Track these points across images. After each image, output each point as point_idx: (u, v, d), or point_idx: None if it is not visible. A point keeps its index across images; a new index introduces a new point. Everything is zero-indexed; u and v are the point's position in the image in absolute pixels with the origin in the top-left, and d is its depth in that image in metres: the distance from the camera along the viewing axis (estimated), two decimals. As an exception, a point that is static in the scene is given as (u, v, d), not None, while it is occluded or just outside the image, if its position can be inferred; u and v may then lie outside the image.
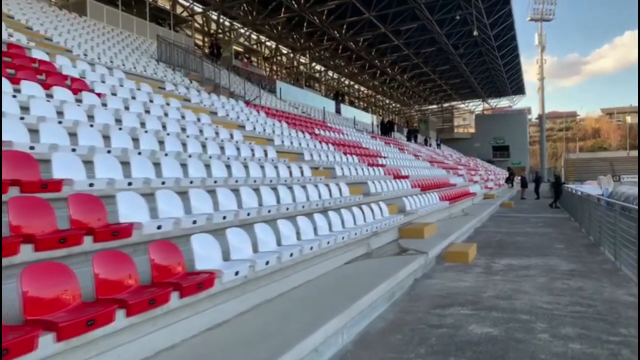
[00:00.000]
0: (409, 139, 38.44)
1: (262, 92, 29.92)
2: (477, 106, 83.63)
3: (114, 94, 10.35)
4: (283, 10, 36.56)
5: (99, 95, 9.56)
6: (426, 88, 68.39)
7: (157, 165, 6.74)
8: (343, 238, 7.12)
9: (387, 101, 74.37)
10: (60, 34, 17.12)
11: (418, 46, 46.53)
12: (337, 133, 22.65)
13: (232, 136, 11.38)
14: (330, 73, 56.33)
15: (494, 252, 11.06)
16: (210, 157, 8.45)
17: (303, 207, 7.90)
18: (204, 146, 9.03)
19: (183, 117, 11.18)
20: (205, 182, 6.96)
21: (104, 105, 9.24)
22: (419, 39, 44.06)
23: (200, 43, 39.03)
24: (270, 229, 6.02)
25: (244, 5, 36.97)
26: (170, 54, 21.85)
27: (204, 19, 39.12)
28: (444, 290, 7.45)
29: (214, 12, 37.27)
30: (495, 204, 23.57)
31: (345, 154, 16.57)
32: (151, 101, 11.39)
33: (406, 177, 18.07)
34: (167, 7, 34.16)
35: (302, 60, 50.76)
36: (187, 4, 36.41)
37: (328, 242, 6.60)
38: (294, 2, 35.06)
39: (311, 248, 6.05)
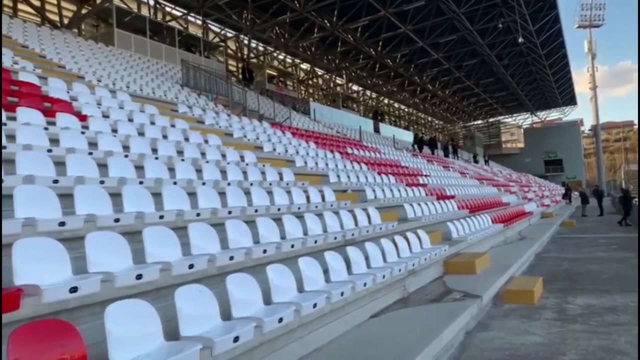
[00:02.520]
0: (446, 155, 36.09)
1: (294, 113, 28.71)
2: (525, 119, 79.80)
3: (106, 116, 9.05)
4: (316, 30, 35.51)
5: (84, 117, 8.25)
6: (470, 103, 65.62)
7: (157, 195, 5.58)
8: (365, 285, 5.33)
9: (430, 119, 71.96)
10: (77, 62, 16.36)
11: (459, 59, 44.37)
12: (373, 152, 20.90)
13: (242, 158, 9.85)
14: (368, 93, 54.80)
15: (565, 288, 8.92)
16: (204, 184, 6.89)
17: (315, 242, 6.18)
18: (198, 171, 7.49)
19: (187, 139, 9.77)
20: (184, 216, 5.38)
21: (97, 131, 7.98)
22: (459, 51, 41.97)
23: (234, 68, 38.45)
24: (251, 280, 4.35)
25: (276, 28, 36.19)
26: (194, 78, 20.94)
27: (237, 44, 38.60)
28: (508, 350, 5.50)
29: (245, 37, 36.63)
30: (555, 224, 20.99)
31: (380, 173, 14.77)
32: (152, 123, 10.07)
33: (452, 197, 16.04)
34: (199, 34, 33.74)
35: (339, 81, 49.52)
36: (218, 30, 35.94)
37: (342, 294, 4.81)
38: (326, 22, 33.93)
39: (314, 306, 4.29)
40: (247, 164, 9.35)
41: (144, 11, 30.67)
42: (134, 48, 25.57)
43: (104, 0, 24.65)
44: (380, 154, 21.35)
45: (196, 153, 8.68)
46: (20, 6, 24.66)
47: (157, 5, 31.55)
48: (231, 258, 4.76)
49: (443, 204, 13.18)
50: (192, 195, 6.13)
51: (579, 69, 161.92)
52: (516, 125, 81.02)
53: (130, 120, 9.63)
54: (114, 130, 8.34)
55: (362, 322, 5.54)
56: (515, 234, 15.90)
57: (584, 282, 9.35)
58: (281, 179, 9.31)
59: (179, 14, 32.13)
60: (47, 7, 25.47)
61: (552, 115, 77.93)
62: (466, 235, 10.59)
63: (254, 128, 14.51)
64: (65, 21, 24.18)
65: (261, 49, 40.12)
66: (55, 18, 24.33)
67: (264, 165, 9.72)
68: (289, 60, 43.57)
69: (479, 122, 78.13)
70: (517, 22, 35.11)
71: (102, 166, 6.22)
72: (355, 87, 52.85)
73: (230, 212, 6.05)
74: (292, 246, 5.68)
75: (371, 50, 40.02)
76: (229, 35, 36.72)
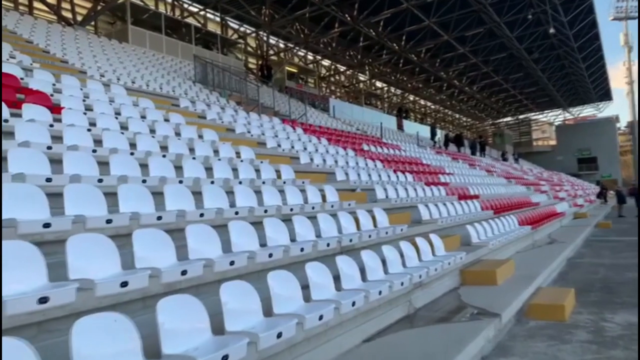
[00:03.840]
0: (473, 153, 34.64)
1: (313, 110, 27.88)
2: (557, 116, 76.93)
3: (86, 110, 8.32)
4: (336, 25, 34.54)
5: (55, 110, 7.52)
6: (499, 99, 63.44)
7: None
8: (354, 304, 4.37)
9: (457, 116, 70.05)
10: (82, 57, 15.84)
11: (486, 53, 42.61)
12: (393, 149, 19.82)
13: (238, 154, 8.99)
14: (392, 89, 53.49)
15: (601, 301, 7.77)
16: (179, 182, 6.06)
17: (302, 249, 5.25)
18: (178, 168, 6.66)
19: (178, 134, 8.98)
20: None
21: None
22: (487, 45, 40.25)
23: (254, 66, 37.81)
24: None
25: (296, 24, 35.36)
26: (207, 74, 20.27)
27: (257, 41, 37.94)
28: (530, 386, 4.48)
29: (264, 34, 35.93)
30: (590, 225, 19.50)
31: (396, 171, 13.74)
32: (143, 117, 9.31)
33: (475, 196, 14.88)
34: (217, 31, 33.19)
35: (362, 77, 48.40)
36: (236, 26, 35.32)
37: (320, 318, 3.88)
38: (346, 16, 32.91)
39: (277, 336, 3.38)
40: (241, 160, 8.49)
41: (162, 8, 30.29)
42: (148, 45, 25.12)
43: (116, -3, 24.24)
44: (400, 151, 20.27)
45: (182, 148, 7.85)
46: (36, 4, 24.49)
47: (175, 2, 31.12)
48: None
49: (464, 205, 12.08)
50: (158, 195, 5.29)
51: (614, 63, 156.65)
52: (547, 122, 78.23)
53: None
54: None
55: (353, 347, 4.59)
56: (545, 237, 14.63)
57: (624, 294, 8.17)
58: (278, 177, 8.42)
59: (196, 10, 31.61)
60: (64, 4, 25.27)
61: (586, 111, 74.87)
62: (488, 239, 9.47)
63: (262, 124, 13.66)
64: (80, 19, 23.82)
65: (282, 46, 39.40)
66: (71, 16, 24.05)
67: (261, 162, 8.84)
68: (310, 57, 42.70)
69: (509, 119, 75.72)
70: (548, 12, 33.33)
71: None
72: (379, 84, 51.64)
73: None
74: (270, 255, 4.78)
75: (394, 44, 38.78)
76: (248, 32, 36.07)
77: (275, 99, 24.12)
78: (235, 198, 6.23)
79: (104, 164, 5.81)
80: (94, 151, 6.27)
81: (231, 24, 35.26)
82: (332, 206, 7.59)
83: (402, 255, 6.35)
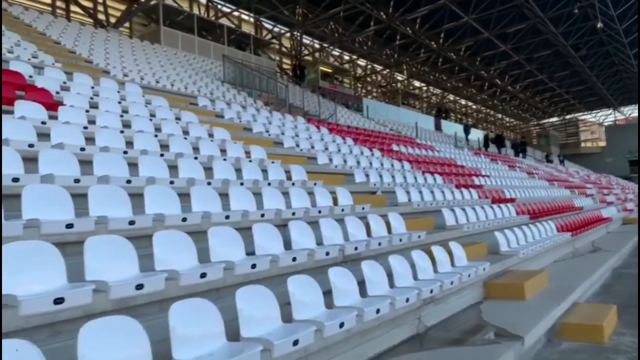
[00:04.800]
0: (516, 154, 33.21)
1: (345, 111, 27.34)
2: (607, 116, 73.26)
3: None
4: (372, 24, 33.82)
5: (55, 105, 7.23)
6: (543, 98, 60.90)
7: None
8: (342, 326, 3.76)
9: (500, 116, 67.77)
10: (108, 58, 15.82)
11: (530, 51, 40.79)
12: (426, 150, 18.98)
13: (248, 153, 8.52)
14: (431, 89, 52.17)
15: (649, 320, 6.83)
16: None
17: (294, 259, 4.69)
18: (173, 167, 6.23)
19: (186, 132, 8.59)
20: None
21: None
22: (530, 42, 38.49)
23: (288, 66, 37.52)
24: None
25: (331, 23, 34.83)
26: (236, 74, 20.03)
27: (292, 42, 37.66)
28: None
29: (297, 34, 35.60)
30: (640, 232, 18.02)
31: (425, 173, 12.98)
32: (152, 116, 8.97)
33: (511, 200, 13.92)
34: (251, 32, 33.07)
35: (399, 77, 47.37)
36: (270, 27, 35.13)
37: (341, 326, 3.38)
38: (382, 14, 32.13)
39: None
40: (250, 161, 8.00)
41: (197, 10, 30.37)
42: (181, 46, 25.15)
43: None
44: (433, 152, 19.40)
45: (188, 149, 7.42)
46: (73, 8, 24.92)
47: (210, 3, 31.16)
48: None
49: (497, 209, 11.21)
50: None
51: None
52: (597, 122, 74.62)
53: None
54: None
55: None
56: (588, 245, 13.49)
57: (676, 313, 7.19)
58: (288, 178, 7.88)
59: (228, 10, 31.58)
60: (99, 7, 25.63)
61: (639, 111, 70.99)
62: (519, 247, 8.61)
63: (283, 123, 13.18)
64: (113, 21, 24.07)
65: (317, 46, 38.96)
66: (105, 18, 24.33)
67: (272, 162, 8.33)
68: (346, 57, 42.07)
69: (555, 119, 72.68)
70: (596, 6, 31.48)
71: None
72: (417, 83, 50.46)
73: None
74: (252, 266, 4.23)
75: (432, 43, 37.67)
76: (282, 32, 35.82)
77: (306, 100, 23.74)
78: (229, 200, 5.73)
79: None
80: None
81: (265, 25, 35.09)
82: (342, 210, 6.99)
83: (413, 266, 5.68)
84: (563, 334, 6.06)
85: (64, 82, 9.09)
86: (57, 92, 8.17)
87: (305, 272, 4.43)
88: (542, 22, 33.83)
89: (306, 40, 37.63)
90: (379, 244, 6.07)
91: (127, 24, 26.80)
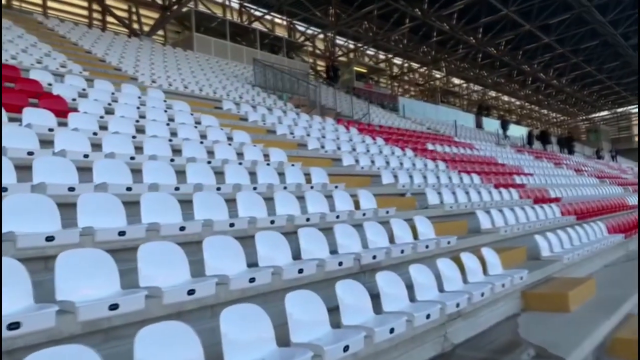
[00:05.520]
0: (561, 150, 31.67)
1: (380, 110, 26.74)
2: (662, 108, 69.26)
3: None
4: (407, 21, 33.06)
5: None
6: (592, 92, 58.06)
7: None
8: (346, 349, 3.28)
9: (545, 112, 65.19)
10: (137, 65, 15.86)
11: (576, 42, 38.78)
12: (464, 148, 18.15)
13: (267, 156, 8.14)
14: (471, 86, 50.66)
15: None
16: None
17: (300, 271, 4.24)
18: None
19: (204, 136, 8.29)
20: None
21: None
22: (575, 32, 36.58)
23: (322, 68, 37.18)
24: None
25: (365, 22, 34.26)
26: (266, 77, 19.81)
27: (325, 43, 37.30)
28: None
29: (330, 34, 35.22)
30: (703, 231, 16.57)
31: (462, 172, 12.27)
32: (171, 121, 8.73)
33: (555, 199, 13.01)
34: (284, 35, 32.92)
35: (437, 75, 46.21)
36: (303, 29, 34.88)
37: (344, 349, 3.15)
38: (416, 10, 31.30)
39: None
40: (267, 164, 7.61)
41: (229, 15, 30.46)
42: (213, 52, 25.21)
43: (181, 6, 24.49)
44: (472, 150, 18.55)
45: (202, 152, 7.10)
46: (109, 19, 25.38)
47: (242, 8, 31.21)
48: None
49: (539, 210, 10.39)
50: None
51: None
52: (651, 115, 70.71)
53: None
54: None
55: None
56: (644, 246, 12.39)
57: None
58: (308, 181, 7.44)
59: (260, 14, 31.55)
60: (134, 17, 26.04)
61: (698, 101, 66.78)
62: (563, 252, 7.83)
63: (310, 125, 12.77)
64: (147, 30, 24.38)
65: (351, 46, 38.45)
66: (138, 27, 24.68)
67: (292, 165, 7.92)
68: (382, 56, 41.34)
69: (605, 113, 69.26)
70: (647, -9, 29.65)
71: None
72: (456, 81, 49.10)
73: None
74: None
75: (470, 38, 36.44)
76: (315, 33, 35.49)
77: (340, 101, 23.30)
78: (236, 206, 5.33)
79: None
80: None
81: (299, 27, 34.88)
82: (363, 214, 6.48)
83: (443, 276, 5.11)
84: (614, 352, 5.34)
85: (83, 89, 8.97)
86: (74, 99, 8.03)
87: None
88: (588, 11, 32.07)
89: (340, 41, 37.20)
90: (402, 251, 5.53)
91: (161, 32, 27.20)
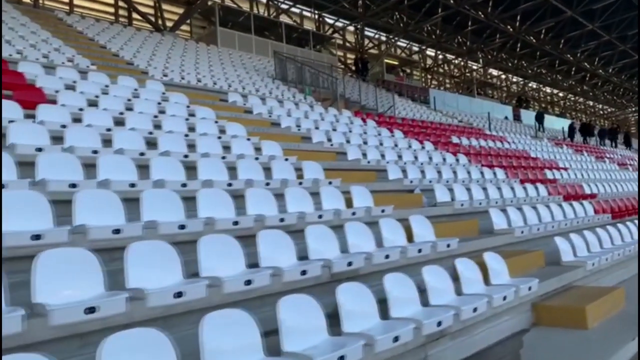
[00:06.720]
0: (602, 143, 29.89)
1: (410, 103, 25.79)
2: None
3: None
4: (439, 10, 31.81)
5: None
6: (642, 81, 54.83)
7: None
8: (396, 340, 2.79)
9: (591, 103, 62.10)
10: (152, 60, 15.59)
11: (623, 28, 36.41)
12: (494, 141, 17.08)
13: (258, 150, 7.56)
14: (510, 77, 48.64)
15: None
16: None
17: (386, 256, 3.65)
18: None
19: (192, 129, 7.78)
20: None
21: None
22: (622, 18, 34.30)
23: (352, 61, 36.35)
24: None
25: (395, 13, 33.19)
26: (287, 70, 19.26)
27: (355, 35, 36.43)
28: None
29: (359, 26, 34.34)
30: None
31: (484, 166, 11.36)
32: (161, 112, 8.27)
33: (591, 196, 11.90)
34: (312, 28, 32.29)
35: (474, 66, 44.51)
36: (331, 21, 34.13)
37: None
38: (449, -1, 30.04)
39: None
40: (256, 158, 7.02)
41: (256, 9, 30.05)
42: (237, 46, 24.85)
43: (205, 0, 24.23)
44: (503, 143, 17.45)
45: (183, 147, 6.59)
46: (135, 15, 25.38)
47: (270, 2, 30.74)
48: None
49: (568, 208, 9.41)
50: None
51: None
52: None
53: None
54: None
55: None
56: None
57: None
58: (299, 176, 6.80)
59: (286, 7, 31.02)
60: (158, 13, 25.93)
61: None
62: (588, 256, 6.87)
63: (323, 117, 12.11)
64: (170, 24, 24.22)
65: (383, 38, 37.41)
66: (161, 23, 24.54)
67: (286, 160, 7.31)
68: (414, 47, 40.07)
69: (657, 103, 65.41)
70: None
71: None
72: (494, 72, 47.24)
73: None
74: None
75: (508, 26, 34.82)
76: (344, 26, 34.67)
77: (366, 93, 22.54)
78: (197, 205, 4.77)
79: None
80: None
81: (328, 20, 34.16)
82: (353, 213, 5.80)
83: (419, 289, 4.37)
84: (641, 378, 4.48)
85: (74, 82, 8.61)
86: (57, 91, 7.65)
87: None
88: (636, -7, 30.01)
89: (370, 32, 36.22)
90: (387, 256, 4.83)
91: (187, 28, 27.05)
